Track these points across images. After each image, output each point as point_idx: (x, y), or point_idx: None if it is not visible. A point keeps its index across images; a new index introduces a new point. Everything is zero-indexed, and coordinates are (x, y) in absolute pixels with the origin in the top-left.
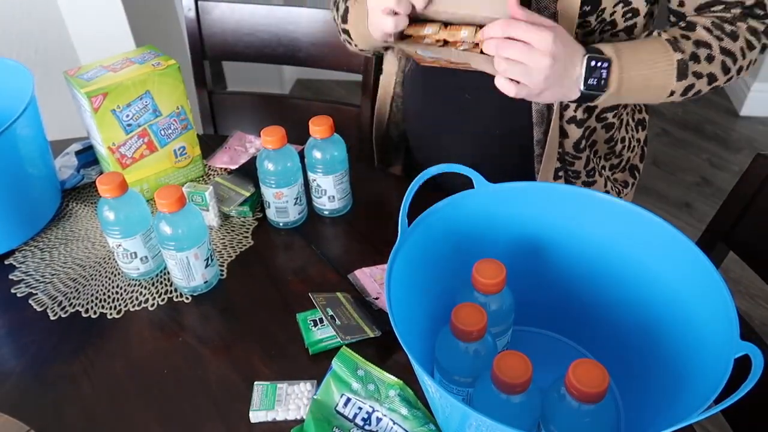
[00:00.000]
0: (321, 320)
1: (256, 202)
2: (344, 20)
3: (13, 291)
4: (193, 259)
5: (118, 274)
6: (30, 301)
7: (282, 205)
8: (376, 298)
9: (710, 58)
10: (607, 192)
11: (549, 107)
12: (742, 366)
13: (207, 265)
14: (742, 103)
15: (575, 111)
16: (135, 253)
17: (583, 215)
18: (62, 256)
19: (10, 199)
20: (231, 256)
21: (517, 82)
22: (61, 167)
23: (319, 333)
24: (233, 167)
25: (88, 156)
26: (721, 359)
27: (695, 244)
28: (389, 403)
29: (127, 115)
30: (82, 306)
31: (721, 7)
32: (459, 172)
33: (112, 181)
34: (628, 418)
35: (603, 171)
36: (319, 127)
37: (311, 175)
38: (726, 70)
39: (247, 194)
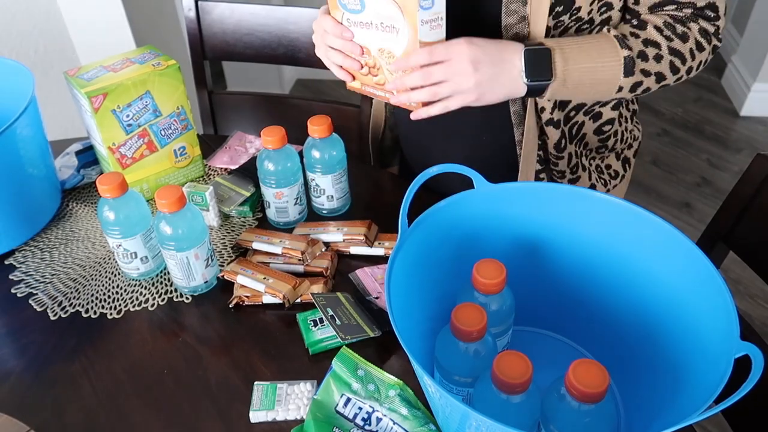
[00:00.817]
0: (321, 320)
1: (256, 202)
2: None
3: (13, 291)
4: (193, 259)
5: (118, 274)
6: (30, 301)
7: (282, 205)
8: (377, 298)
9: (658, 58)
10: (593, 185)
11: (525, 109)
12: (742, 366)
13: (207, 265)
14: (742, 103)
15: (552, 113)
16: (135, 253)
17: (583, 215)
18: (62, 256)
19: (10, 199)
20: (231, 256)
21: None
22: (61, 167)
23: (319, 333)
24: (233, 167)
25: (88, 156)
26: (721, 359)
27: (695, 244)
28: (389, 403)
29: (128, 116)
30: (82, 306)
31: (673, 7)
32: (459, 172)
33: (112, 181)
34: (628, 418)
35: (591, 162)
36: (317, 127)
37: (310, 175)
38: (675, 70)
39: (247, 194)
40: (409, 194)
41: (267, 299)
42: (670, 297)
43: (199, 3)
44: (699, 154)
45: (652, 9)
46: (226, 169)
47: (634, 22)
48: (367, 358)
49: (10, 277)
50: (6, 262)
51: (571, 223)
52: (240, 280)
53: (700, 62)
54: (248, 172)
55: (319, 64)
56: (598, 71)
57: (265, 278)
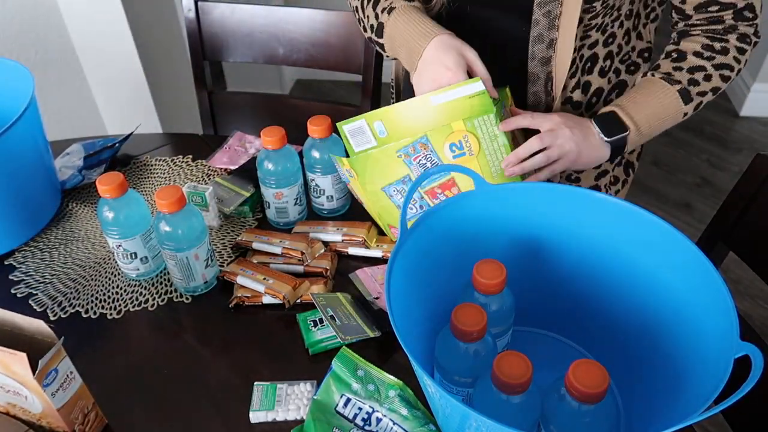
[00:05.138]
0: (321, 320)
1: (256, 203)
2: (379, 35)
3: (13, 291)
4: (193, 260)
5: (118, 274)
6: (30, 302)
7: (282, 205)
8: (377, 298)
9: (708, 78)
10: (597, 186)
11: (546, 91)
12: (742, 366)
13: (207, 266)
14: (741, 104)
15: (572, 92)
16: (135, 253)
17: (583, 215)
18: (62, 257)
19: (10, 199)
20: (231, 257)
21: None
22: (62, 167)
23: (319, 333)
24: (233, 167)
25: (92, 160)
26: (721, 359)
27: (695, 244)
28: (389, 403)
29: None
30: (82, 306)
31: (717, 7)
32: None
33: (113, 181)
34: (628, 418)
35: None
36: (317, 127)
37: (310, 175)
38: (726, 78)
39: (247, 194)
40: (409, 194)
41: (267, 300)
42: (670, 297)
43: (199, 3)
44: (699, 154)
45: (698, 8)
46: (226, 169)
47: (674, 55)
48: (367, 358)
49: (10, 277)
50: (6, 262)
51: (571, 223)
52: (240, 280)
53: (746, 61)
54: (248, 173)
55: (318, 64)
56: (662, 112)
57: (265, 279)
